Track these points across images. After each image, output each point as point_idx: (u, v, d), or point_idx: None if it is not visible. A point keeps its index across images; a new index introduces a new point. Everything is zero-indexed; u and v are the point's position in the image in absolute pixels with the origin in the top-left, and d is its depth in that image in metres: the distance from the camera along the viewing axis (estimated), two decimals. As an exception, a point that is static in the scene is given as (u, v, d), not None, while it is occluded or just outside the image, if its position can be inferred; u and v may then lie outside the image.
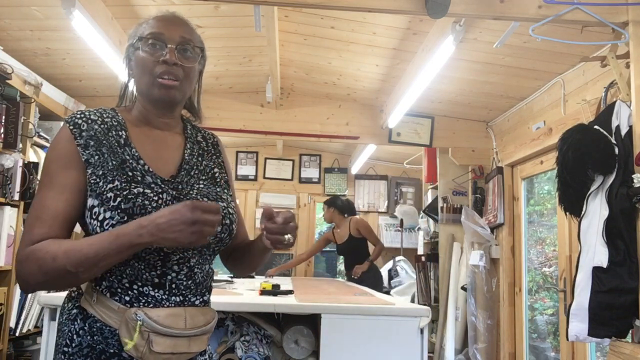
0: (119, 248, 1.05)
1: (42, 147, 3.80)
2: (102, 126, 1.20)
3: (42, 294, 2.12)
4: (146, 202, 1.13)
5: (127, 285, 1.13)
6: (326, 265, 7.03)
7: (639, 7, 2.42)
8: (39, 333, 3.43)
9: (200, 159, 1.31)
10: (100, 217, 1.11)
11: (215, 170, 1.33)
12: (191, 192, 1.22)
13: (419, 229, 5.89)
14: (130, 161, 1.18)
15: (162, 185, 1.18)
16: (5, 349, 3.33)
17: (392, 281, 5.72)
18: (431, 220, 5.23)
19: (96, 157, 1.15)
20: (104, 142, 1.17)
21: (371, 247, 5.28)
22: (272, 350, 2.35)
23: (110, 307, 1.12)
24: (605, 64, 2.61)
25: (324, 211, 5.40)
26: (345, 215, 5.30)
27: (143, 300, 1.13)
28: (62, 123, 1.20)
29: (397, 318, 2.22)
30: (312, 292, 2.80)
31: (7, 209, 3.31)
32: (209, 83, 4.47)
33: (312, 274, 6.76)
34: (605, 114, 2.50)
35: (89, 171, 1.14)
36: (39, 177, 3.53)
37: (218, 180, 1.32)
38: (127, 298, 1.13)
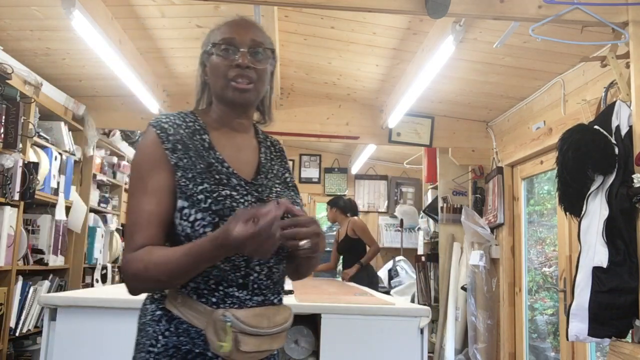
0: (204, 262, 1.10)
1: (42, 147, 3.80)
2: (187, 130, 1.23)
3: (42, 294, 2.12)
4: (234, 204, 1.17)
5: (213, 286, 1.17)
6: (326, 265, 7.02)
7: (639, 7, 2.42)
8: (39, 333, 3.43)
9: (272, 162, 1.36)
10: (192, 218, 1.14)
11: (286, 174, 1.38)
12: (271, 195, 1.26)
13: (419, 229, 5.89)
14: (216, 164, 1.21)
15: (246, 187, 1.23)
16: (5, 349, 3.33)
17: (392, 281, 5.72)
18: (431, 220, 5.23)
19: (185, 160, 1.19)
20: (190, 145, 1.21)
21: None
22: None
23: (197, 309, 1.15)
24: (605, 64, 2.61)
25: (327, 212, 5.42)
26: (348, 215, 5.31)
27: (229, 302, 1.16)
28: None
29: (397, 318, 2.22)
30: (312, 292, 2.80)
31: (7, 209, 3.31)
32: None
33: (312, 274, 6.76)
34: (605, 114, 2.50)
35: (179, 174, 1.17)
36: (39, 178, 3.54)
37: (289, 184, 1.37)
38: (214, 299, 1.16)
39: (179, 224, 1.16)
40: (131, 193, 1.19)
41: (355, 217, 5.39)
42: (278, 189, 1.30)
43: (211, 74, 1.27)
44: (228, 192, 1.18)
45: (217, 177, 1.19)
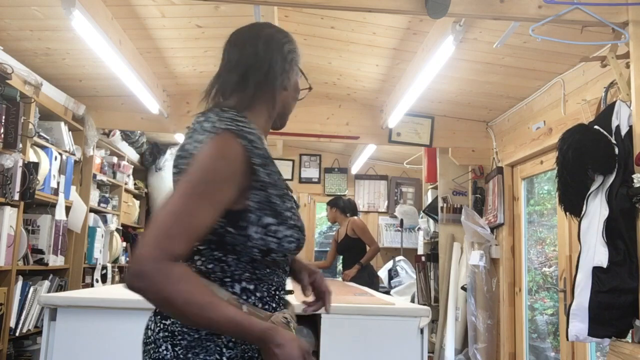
0: (235, 335, 1.10)
1: (42, 147, 3.80)
2: (263, 143, 1.16)
3: (42, 294, 2.12)
4: (300, 219, 1.21)
5: (273, 292, 1.21)
6: (326, 265, 7.02)
7: (639, 7, 2.42)
8: (39, 333, 3.43)
9: None
10: (280, 235, 1.14)
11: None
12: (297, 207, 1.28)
13: (419, 229, 5.89)
14: (281, 177, 1.20)
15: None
16: (5, 349, 3.33)
17: (392, 281, 5.72)
18: (431, 220, 5.23)
19: (275, 177, 1.16)
20: (271, 159, 1.17)
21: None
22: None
23: (259, 316, 1.13)
24: (605, 64, 2.61)
25: (327, 212, 5.43)
26: (347, 215, 5.32)
27: (281, 305, 1.23)
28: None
29: (397, 318, 2.22)
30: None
31: (7, 209, 3.31)
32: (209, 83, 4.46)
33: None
34: (605, 114, 2.50)
35: (270, 191, 1.14)
36: (39, 178, 3.54)
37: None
38: (274, 305, 1.20)
39: (261, 238, 1.12)
40: (189, 193, 1.06)
41: (355, 217, 5.39)
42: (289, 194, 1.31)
43: (294, 96, 1.33)
44: (294, 206, 1.21)
45: (287, 191, 1.20)
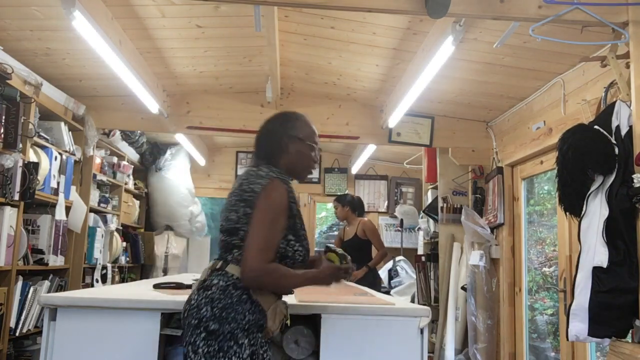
0: (310, 284, 1.89)
1: (42, 147, 3.80)
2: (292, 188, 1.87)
3: (42, 294, 2.12)
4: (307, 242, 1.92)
5: None
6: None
7: (639, 7, 2.42)
8: (39, 333, 3.43)
9: None
10: (295, 248, 1.83)
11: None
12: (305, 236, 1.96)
13: (419, 229, 5.89)
14: (300, 211, 1.90)
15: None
16: (5, 349, 3.33)
17: (392, 281, 5.72)
18: (431, 220, 5.23)
19: (297, 210, 1.86)
20: (297, 202, 1.87)
21: (374, 251, 5.28)
22: (272, 350, 2.35)
23: (269, 297, 1.78)
24: (605, 64, 2.61)
25: (337, 209, 5.33)
26: (357, 214, 5.30)
27: (282, 295, 1.86)
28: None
29: (397, 318, 2.22)
30: (312, 292, 2.80)
31: (7, 209, 3.31)
32: (209, 83, 4.47)
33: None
34: (605, 114, 2.50)
35: (297, 220, 1.84)
36: (39, 178, 3.54)
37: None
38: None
39: (283, 248, 1.79)
40: (268, 222, 1.74)
41: (366, 219, 5.39)
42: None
43: (300, 157, 1.93)
44: (305, 231, 1.91)
45: (302, 223, 1.89)
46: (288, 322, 1.88)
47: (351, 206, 5.30)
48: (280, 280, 1.75)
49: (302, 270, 1.85)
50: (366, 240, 5.19)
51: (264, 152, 1.94)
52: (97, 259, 4.75)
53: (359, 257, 5.15)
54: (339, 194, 6.51)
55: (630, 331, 2.31)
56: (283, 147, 1.92)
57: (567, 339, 2.44)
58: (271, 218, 1.74)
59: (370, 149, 5.69)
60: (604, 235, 2.30)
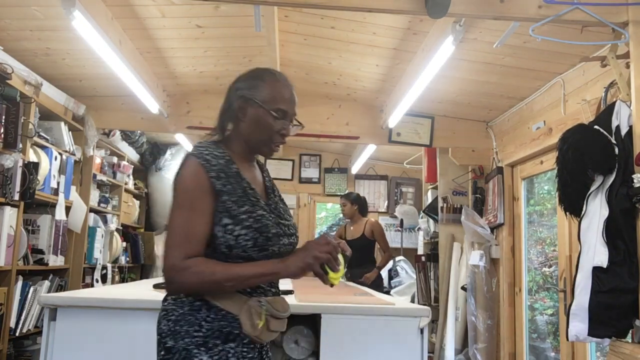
0: (268, 278, 1.44)
1: (42, 147, 3.80)
2: (221, 160, 1.45)
3: (42, 294, 2.12)
4: (267, 222, 1.44)
5: None
6: (326, 265, 7.02)
7: (639, 7, 2.42)
8: (39, 333, 3.43)
9: (270, 184, 1.63)
10: (236, 233, 1.40)
11: (277, 190, 1.64)
12: (284, 214, 1.55)
13: (419, 229, 5.89)
14: (248, 190, 1.46)
15: (267, 208, 1.49)
16: (5, 349, 3.33)
17: (392, 281, 5.72)
18: (431, 220, 5.23)
19: (228, 187, 1.42)
20: (229, 173, 1.44)
21: (376, 252, 5.29)
22: (272, 350, 2.35)
23: (233, 298, 1.40)
24: (605, 64, 2.61)
25: (345, 207, 5.28)
26: (362, 213, 5.30)
27: (258, 291, 1.46)
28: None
29: (397, 318, 2.22)
30: (312, 292, 2.80)
31: (7, 209, 3.31)
32: (209, 83, 4.47)
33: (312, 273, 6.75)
34: (605, 114, 2.50)
35: (224, 197, 1.41)
36: (39, 178, 3.54)
37: (282, 198, 1.63)
38: (248, 289, 1.44)
39: (222, 237, 1.40)
40: (178, 210, 1.40)
41: (373, 220, 5.39)
42: (281, 206, 1.57)
43: (255, 126, 1.51)
44: (261, 212, 1.44)
45: (252, 199, 1.45)
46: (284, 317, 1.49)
47: (359, 204, 5.29)
48: (203, 277, 1.35)
49: (264, 262, 1.42)
50: (372, 241, 5.20)
51: (219, 119, 1.57)
52: (97, 259, 4.75)
53: (363, 257, 5.16)
54: (339, 194, 6.52)
55: (630, 331, 2.30)
56: (236, 112, 1.52)
57: (567, 339, 2.44)
58: (185, 204, 1.38)
59: (370, 149, 5.69)
60: (604, 235, 2.30)
